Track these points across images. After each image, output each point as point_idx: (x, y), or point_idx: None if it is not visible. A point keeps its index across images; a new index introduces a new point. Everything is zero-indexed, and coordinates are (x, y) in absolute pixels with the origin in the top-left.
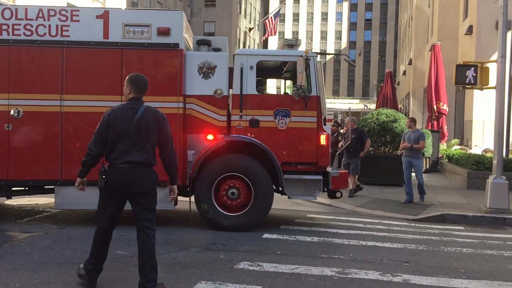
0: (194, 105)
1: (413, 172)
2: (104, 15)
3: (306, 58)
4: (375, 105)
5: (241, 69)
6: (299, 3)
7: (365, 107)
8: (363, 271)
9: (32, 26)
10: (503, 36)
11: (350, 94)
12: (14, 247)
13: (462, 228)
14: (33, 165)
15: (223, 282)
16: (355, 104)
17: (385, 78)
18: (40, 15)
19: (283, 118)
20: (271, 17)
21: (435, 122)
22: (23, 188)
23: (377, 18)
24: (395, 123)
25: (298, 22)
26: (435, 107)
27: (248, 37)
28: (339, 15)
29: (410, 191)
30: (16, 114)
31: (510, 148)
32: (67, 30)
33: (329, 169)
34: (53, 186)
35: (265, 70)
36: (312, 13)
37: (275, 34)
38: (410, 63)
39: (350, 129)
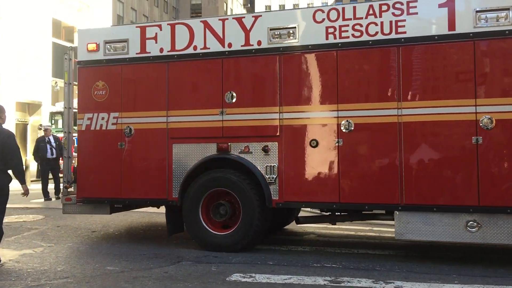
0: None
1: None
2: (449, 3)
3: None
4: None
5: None
6: None
7: None
8: (355, 279)
9: (361, 25)
10: None
11: None
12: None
13: None
14: (371, 186)
15: None
16: None
17: None
18: (371, 12)
19: None
20: None
21: None
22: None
23: None
24: None
25: None
26: None
27: None
28: None
29: None
30: (346, 127)
31: None
32: (403, 26)
33: None
34: (383, 211)
35: None
36: None
37: None
38: None
39: None
